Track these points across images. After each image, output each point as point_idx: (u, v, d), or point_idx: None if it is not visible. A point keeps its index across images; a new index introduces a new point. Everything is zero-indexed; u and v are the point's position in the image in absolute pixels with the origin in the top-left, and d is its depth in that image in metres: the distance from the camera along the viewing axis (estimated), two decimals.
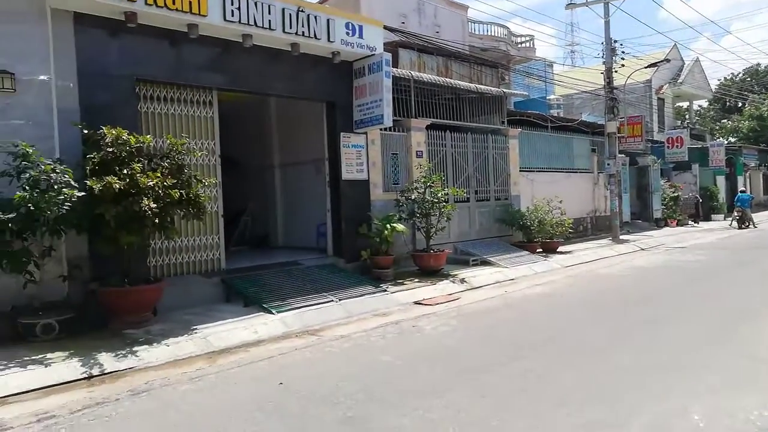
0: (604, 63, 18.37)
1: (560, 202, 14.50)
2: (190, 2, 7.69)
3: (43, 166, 6.15)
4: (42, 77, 6.92)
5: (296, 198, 12.75)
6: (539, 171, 16.28)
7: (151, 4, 7.35)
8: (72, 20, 7.19)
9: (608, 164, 17.56)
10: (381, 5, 19.29)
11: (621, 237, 17.10)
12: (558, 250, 14.03)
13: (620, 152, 19.03)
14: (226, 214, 9.42)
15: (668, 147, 26.40)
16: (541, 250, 13.62)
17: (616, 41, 18.59)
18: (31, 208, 5.87)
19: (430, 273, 10.57)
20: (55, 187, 6.09)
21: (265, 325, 7.08)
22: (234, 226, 12.60)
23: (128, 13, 7.30)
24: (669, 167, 26.13)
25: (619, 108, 18.54)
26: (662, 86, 31.87)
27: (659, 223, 22.14)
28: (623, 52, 19.35)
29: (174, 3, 7.53)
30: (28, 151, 6.17)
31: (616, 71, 18.36)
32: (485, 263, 11.82)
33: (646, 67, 22.76)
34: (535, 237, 13.63)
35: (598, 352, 5.74)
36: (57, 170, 6.23)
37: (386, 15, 15.83)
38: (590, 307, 8.18)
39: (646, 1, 54.36)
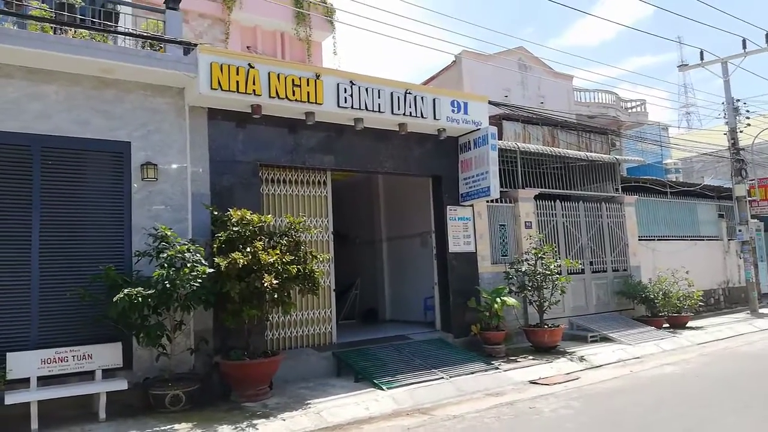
0: (726, 124, 17.26)
1: (686, 272, 13.42)
2: (308, 92, 8.35)
3: (178, 246, 6.75)
4: (179, 165, 7.74)
5: (403, 271, 12.85)
6: (660, 239, 15.24)
7: (274, 97, 8.07)
8: (206, 115, 8.06)
9: (740, 230, 16.11)
10: (484, 80, 19.76)
11: (760, 310, 15.33)
12: (687, 325, 12.82)
13: (752, 217, 17.42)
14: (336, 288, 9.67)
15: None
16: (667, 325, 12.54)
17: (738, 100, 17.47)
18: (167, 285, 6.41)
19: (545, 350, 10.03)
20: (188, 265, 6.63)
21: (376, 402, 7.02)
22: (343, 299, 12.88)
23: (254, 106, 8.07)
24: None
25: (747, 170, 17.15)
26: None
27: None
28: (747, 111, 18.09)
29: (294, 94, 8.22)
30: (167, 234, 6.84)
31: (741, 131, 17.15)
32: (605, 340, 11.05)
33: None
34: (660, 311, 12.61)
35: None
36: (191, 250, 6.81)
37: (489, 89, 16.12)
38: (732, 391, 7.30)
39: None
